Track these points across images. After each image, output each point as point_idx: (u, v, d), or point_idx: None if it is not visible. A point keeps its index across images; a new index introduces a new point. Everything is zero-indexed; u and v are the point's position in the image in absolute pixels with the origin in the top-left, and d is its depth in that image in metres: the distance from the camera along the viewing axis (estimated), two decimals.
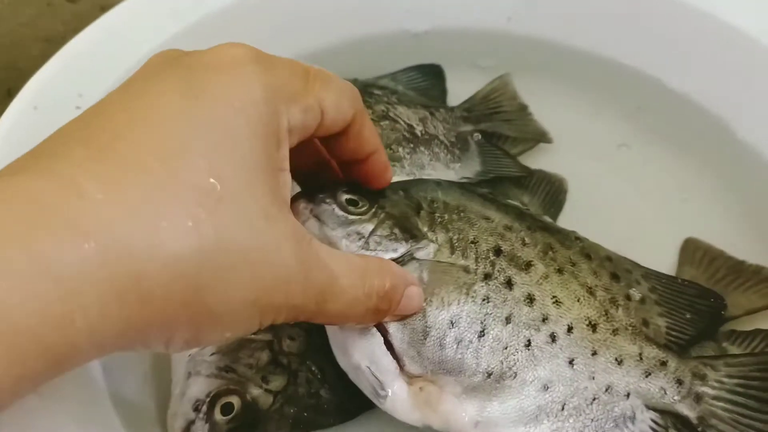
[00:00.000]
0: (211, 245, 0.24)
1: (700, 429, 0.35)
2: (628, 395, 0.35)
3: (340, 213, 0.35)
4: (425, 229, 0.36)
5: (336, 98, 0.30)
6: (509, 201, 0.40)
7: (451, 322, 0.34)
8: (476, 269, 0.35)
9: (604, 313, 0.36)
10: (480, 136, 0.50)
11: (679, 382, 0.36)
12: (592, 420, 0.35)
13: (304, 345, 0.40)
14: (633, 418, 0.35)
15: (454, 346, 0.34)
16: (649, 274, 0.39)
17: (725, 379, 0.36)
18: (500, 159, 0.50)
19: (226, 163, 0.25)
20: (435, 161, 0.47)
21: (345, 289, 0.30)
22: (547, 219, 0.41)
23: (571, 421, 0.35)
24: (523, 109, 0.52)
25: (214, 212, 0.24)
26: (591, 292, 0.37)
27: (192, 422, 0.38)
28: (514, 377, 0.34)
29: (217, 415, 0.38)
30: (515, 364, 0.34)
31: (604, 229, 0.44)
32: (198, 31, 0.48)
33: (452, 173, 0.47)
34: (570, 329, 0.35)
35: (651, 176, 0.50)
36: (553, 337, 0.35)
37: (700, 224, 0.47)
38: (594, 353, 0.35)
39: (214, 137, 0.25)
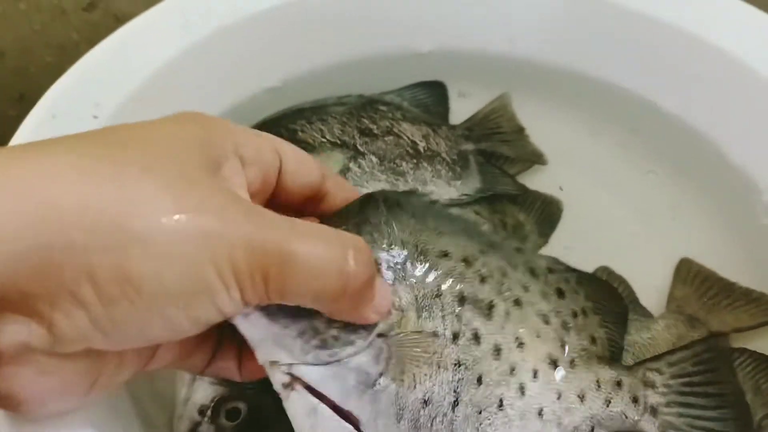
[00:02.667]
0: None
1: None
2: (592, 429, 0.35)
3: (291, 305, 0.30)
4: None
5: (293, 151, 0.32)
6: (450, 211, 0.37)
7: (425, 401, 0.31)
8: (444, 331, 0.32)
9: (560, 344, 0.35)
10: (480, 155, 0.52)
11: (635, 399, 0.36)
12: None
13: None
14: None
15: (429, 425, 0.31)
16: (581, 279, 0.38)
17: (671, 382, 0.36)
18: (498, 177, 0.51)
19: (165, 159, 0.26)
20: (437, 178, 0.48)
21: (314, 233, 0.27)
22: (484, 227, 0.39)
23: None
24: (520, 130, 0.54)
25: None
26: (546, 320, 0.35)
27: (198, 425, 0.39)
28: None
29: (222, 420, 0.39)
30: (490, 427, 0.32)
31: (597, 248, 0.45)
32: (209, 44, 0.50)
33: (453, 190, 0.48)
34: (535, 374, 0.34)
35: (644, 197, 0.51)
36: (522, 390, 0.33)
37: (692, 244, 0.48)
38: (558, 396, 0.34)
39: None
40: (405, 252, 0.32)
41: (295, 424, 0.31)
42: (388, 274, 0.31)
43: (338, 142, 0.48)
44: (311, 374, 0.30)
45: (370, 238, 0.32)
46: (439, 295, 0.32)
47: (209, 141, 0.27)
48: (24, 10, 0.58)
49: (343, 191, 0.35)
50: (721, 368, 0.37)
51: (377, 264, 0.31)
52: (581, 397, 0.35)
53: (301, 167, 0.32)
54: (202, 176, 0.25)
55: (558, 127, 0.55)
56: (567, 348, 0.35)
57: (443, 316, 0.32)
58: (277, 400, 0.39)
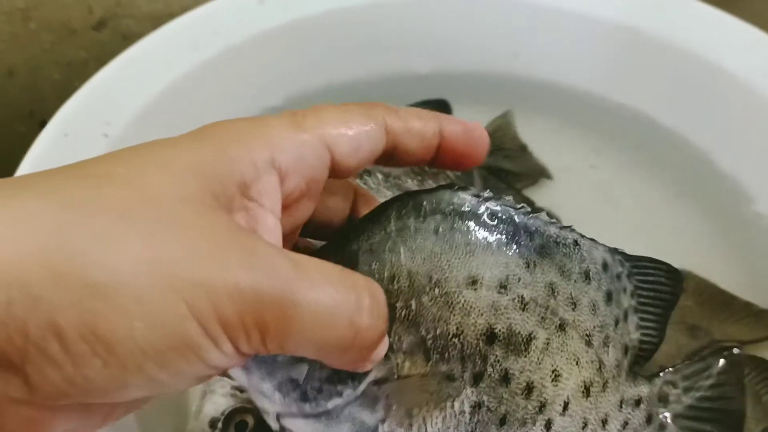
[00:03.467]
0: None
1: None
2: None
3: (266, 355, 0.27)
4: None
5: (347, 137, 0.27)
6: (497, 208, 0.30)
7: None
8: (463, 373, 0.28)
9: (598, 366, 0.32)
10: (484, 170, 0.53)
11: (649, 418, 0.34)
12: None
13: None
14: None
15: None
16: (634, 268, 0.34)
17: (684, 397, 0.35)
18: (503, 192, 0.52)
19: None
20: None
21: (319, 278, 0.23)
22: (544, 217, 0.31)
23: None
24: (523, 148, 0.55)
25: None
26: (589, 341, 0.31)
27: None
28: None
29: None
30: None
31: None
32: (217, 63, 0.51)
33: None
34: (566, 406, 0.30)
35: (644, 210, 0.52)
36: (548, 426, 0.30)
37: (693, 257, 0.48)
38: (584, 425, 0.31)
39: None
40: (412, 285, 0.28)
41: None
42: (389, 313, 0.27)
43: None
44: (299, 426, 0.29)
45: (367, 269, 0.28)
46: (458, 334, 0.28)
47: (222, 166, 0.24)
48: (34, 29, 0.59)
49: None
50: (732, 385, 0.36)
51: None
52: (604, 422, 0.32)
53: (360, 148, 0.28)
54: (194, 215, 0.22)
55: (558, 144, 0.56)
56: (604, 370, 0.32)
57: (462, 358, 0.28)
58: None
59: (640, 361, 0.34)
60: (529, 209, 0.30)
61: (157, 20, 0.56)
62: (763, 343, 0.43)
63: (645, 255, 0.34)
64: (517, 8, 0.55)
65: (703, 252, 0.49)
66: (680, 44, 0.51)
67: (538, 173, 0.54)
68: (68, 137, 0.43)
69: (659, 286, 0.34)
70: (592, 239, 0.32)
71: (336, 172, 0.28)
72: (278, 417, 0.29)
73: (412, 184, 0.48)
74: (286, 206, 0.27)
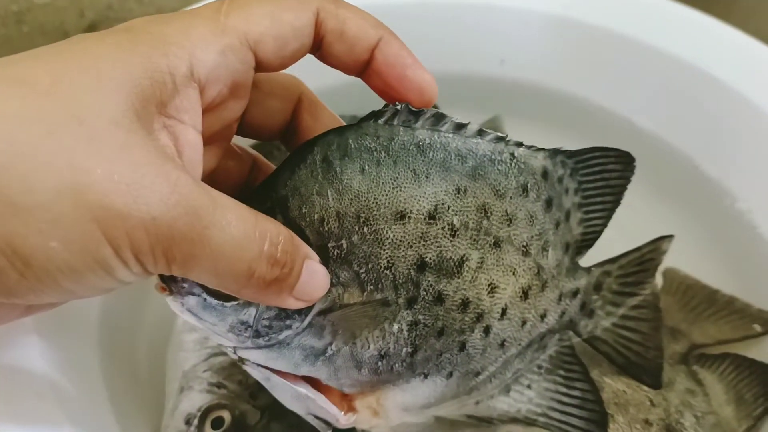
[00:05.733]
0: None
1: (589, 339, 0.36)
2: (543, 337, 0.34)
3: (214, 302, 0.29)
4: None
5: (272, 34, 0.27)
6: (427, 137, 0.30)
7: (381, 355, 0.31)
8: (398, 298, 0.30)
9: (536, 272, 0.32)
10: None
11: (583, 305, 0.35)
12: (515, 372, 0.34)
13: None
14: (545, 349, 0.35)
15: (389, 369, 0.31)
16: (577, 165, 0.34)
17: (614, 285, 0.36)
18: None
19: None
20: None
21: (232, 221, 0.24)
22: (472, 128, 0.31)
23: (496, 383, 0.34)
24: None
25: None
26: (526, 251, 0.32)
27: None
28: (450, 376, 0.32)
29: (208, 429, 0.39)
30: (450, 365, 0.32)
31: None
32: None
33: None
34: (504, 312, 0.32)
35: (628, 209, 0.52)
36: (486, 331, 0.32)
37: (677, 257, 0.48)
38: (523, 323, 0.33)
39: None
40: (342, 226, 0.29)
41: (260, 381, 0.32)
42: (320, 253, 0.28)
43: None
44: (255, 356, 0.31)
45: (298, 213, 0.29)
46: (389, 266, 0.29)
47: (146, 84, 0.24)
48: (27, 32, 0.60)
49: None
50: (651, 278, 0.38)
51: (308, 241, 0.28)
52: (543, 317, 0.33)
53: (285, 47, 0.27)
54: (119, 137, 0.22)
55: (545, 146, 0.56)
56: (542, 272, 0.33)
57: (396, 287, 0.30)
58: (260, 409, 0.40)
59: (582, 251, 0.35)
60: (465, 130, 0.30)
61: None
62: (746, 341, 0.42)
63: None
64: (504, 13, 0.55)
65: (687, 251, 0.49)
66: (663, 48, 0.51)
67: None
68: None
69: (606, 174, 0.34)
70: (531, 146, 0.32)
71: (260, 69, 0.28)
72: (235, 350, 0.31)
73: None
74: (210, 109, 0.27)
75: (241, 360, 0.31)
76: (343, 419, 0.32)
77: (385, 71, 0.29)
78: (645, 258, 0.37)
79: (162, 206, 0.22)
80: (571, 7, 0.53)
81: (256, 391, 0.40)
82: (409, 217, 0.29)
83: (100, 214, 0.22)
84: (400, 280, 0.30)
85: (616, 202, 0.35)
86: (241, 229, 0.24)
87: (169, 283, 0.29)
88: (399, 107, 0.29)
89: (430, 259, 0.30)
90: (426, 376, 0.32)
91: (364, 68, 0.29)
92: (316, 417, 0.33)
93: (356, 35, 0.28)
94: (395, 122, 0.30)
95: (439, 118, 0.30)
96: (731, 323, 0.43)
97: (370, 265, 0.29)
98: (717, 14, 0.50)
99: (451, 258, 0.30)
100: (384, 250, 0.29)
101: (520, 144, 0.32)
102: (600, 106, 0.54)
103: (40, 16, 0.59)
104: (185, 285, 0.28)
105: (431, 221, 0.30)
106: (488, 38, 0.56)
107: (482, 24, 0.56)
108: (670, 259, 0.48)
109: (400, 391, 0.33)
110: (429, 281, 0.30)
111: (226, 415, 0.39)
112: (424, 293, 0.30)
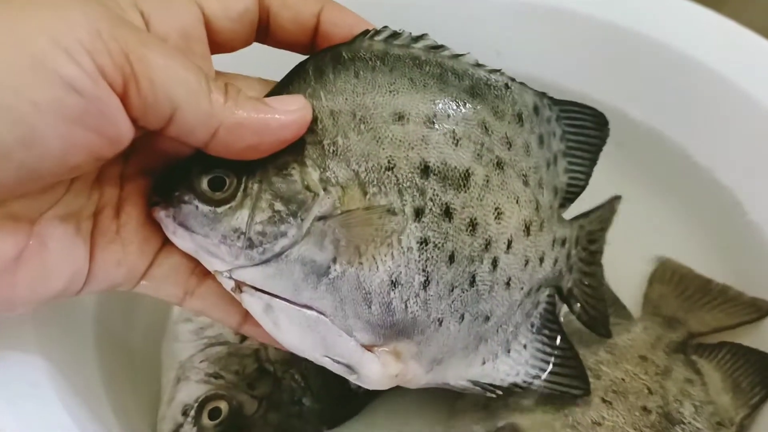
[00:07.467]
0: None
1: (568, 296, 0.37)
2: (539, 288, 0.34)
3: (206, 209, 0.28)
4: (316, 176, 0.28)
5: None
6: (424, 53, 0.30)
7: (392, 282, 0.29)
8: (403, 206, 0.29)
9: (535, 206, 0.32)
10: None
11: (568, 256, 0.36)
12: (515, 326, 0.34)
13: (290, 353, 0.41)
14: (538, 306, 0.35)
15: (403, 306, 0.29)
16: (560, 116, 0.35)
17: (585, 239, 0.37)
18: None
19: None
20: None
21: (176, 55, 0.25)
22: (471, 60, 0.32)
23: (501, 337, 0.34)
24: None
25: None
26: (526, 180, 0.32)
27: (180, 426, 0.39)
28: (461, 320, 0.31)
29: (205, 420, 0.39)
30: (462, 305, 0.31)
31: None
32: None
33: None
34: (509, 245, 0.31)
35: (625, 203, 0.52)
36: (494, 264, 0.31)
37: (667, 247, 0.49)
38: (526, 263, 0.32)
39: None
40: (336, 123, 0.28)
41: (262, 324, 0.30)
42: (316, 153, 0.28)
43: None
44: (251, 275, 0.29)
45: None
46: (391, 167, 0.28)
47: None
48: None
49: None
50: (605, 234, 0.40)
51: (302, 142, 0.28)
52: (541, 260, 0.33)
53: (229, 8, 0.28)
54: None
55: None
56: (540, 209, 0.33)
57: (400, 191, 0.29)
58: (257, 399, 0.40)
59: (565, 204, 0.36)
60: (457, 53, 0.31)
61: None
62: (741, 328, 0.42)
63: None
64: (500, 6, 0.55)
65: (679, 240, 0.50)
66: (661, 41, 0.51)
67: None
68: None
69: (586, 130, 0.36)
70: (521, 83, 0.33)
71: (213, 35, 0.28)
72: (231, 274, 0.29)
73: None
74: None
75: (238, 288, 0.29)
76: (366, 358, 0.30)
77: (332, 32, 0.30)
78: (603, 216, 0.39)
79: (122, 29, 0.23)
80: None
81: (253, 381, 0.40)
82: (407, 118, 0.29)
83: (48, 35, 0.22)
84: (404, 184, 0.29)
85: (594, 161, 0.36)
86: (192, 70, 0.25)
87: (163, 194, 0.29)
88: (398, 30, 0.30)
89: (434, 164, 0.29)
90: (440, 323, 0.30)
91: (312, 39, 0.30)
92: (335, 361, 0.30)
93: (298, 2, 0.29)
94: (387, 39, 0.30)
95: (437, 46, 0.30)
96: (725, 311, 0.43)
97: (369, 164, 0.28)
98: (710, 5, 0.50)
99: (456, 167, 0.30)
100: (384, 149, 0.29)
101: (512, 79, 0.32)
102: (597, 99, 0.54)
103: None
104: (177, 192, 0.28)
105: (431, 125, 0.29)
106: (484, 31, 0.56)
107: (478, 16, 0.55)
108: (663, 249, 0.48)
109: (415, 345, 0.31)
110: (435, 190, 0.29)
111: (224, 406, 0.39)
112: (431, 203, 0.29)
